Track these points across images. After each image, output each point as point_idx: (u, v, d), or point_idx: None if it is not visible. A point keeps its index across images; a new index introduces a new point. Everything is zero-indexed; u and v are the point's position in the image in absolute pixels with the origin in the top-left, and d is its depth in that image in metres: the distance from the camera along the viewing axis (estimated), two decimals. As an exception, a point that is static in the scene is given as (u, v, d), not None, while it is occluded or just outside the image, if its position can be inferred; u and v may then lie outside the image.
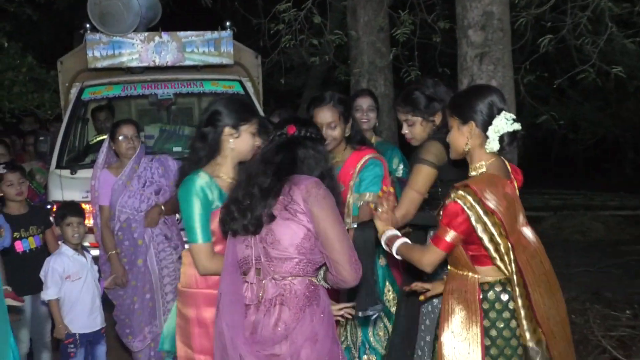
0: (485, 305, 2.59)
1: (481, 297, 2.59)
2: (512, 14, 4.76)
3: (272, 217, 2.43)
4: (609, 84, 6.92)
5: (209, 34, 6.25)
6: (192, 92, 6.26)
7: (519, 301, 2.53)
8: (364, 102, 4.36)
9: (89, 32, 6.08)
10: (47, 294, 4.13)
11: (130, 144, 4.39)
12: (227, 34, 6.26)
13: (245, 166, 2.64)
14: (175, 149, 5.95)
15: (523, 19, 4.60)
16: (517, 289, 2.52)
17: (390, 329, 3.53)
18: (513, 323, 2.57)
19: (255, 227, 2.46)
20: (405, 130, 3.40)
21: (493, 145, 2.54)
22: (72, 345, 4.14)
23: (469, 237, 2.55)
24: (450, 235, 2.52)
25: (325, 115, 3.44)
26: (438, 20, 5.69)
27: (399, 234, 2.85)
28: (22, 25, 9.87)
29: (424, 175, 3.20)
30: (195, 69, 6.38)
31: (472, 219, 2.47)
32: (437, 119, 3.35)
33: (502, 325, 2.57)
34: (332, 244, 2.41)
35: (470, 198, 2.46)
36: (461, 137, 2.60)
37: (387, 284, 3.65)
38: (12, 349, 2.97)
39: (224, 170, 2.88)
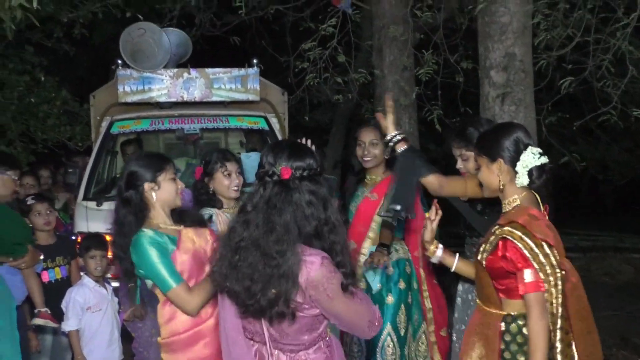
0: (507, 337, 2.59)
1: (503, 329, 2.60)
2: (535, 55, 4.78)
3: (294, 316, 2.22)
4: (636, 125, 6.86)
5: (236, 71, 6.38)
6: (218, 128, 6.35)
7: (558, 334, 2.50)
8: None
9: (120, 67, 6.26)
10: (68, 325, 4.19)
11: (153, 177, 4.46)
12: (253, 71, 6.38)
13: (242, 219, 2.31)
14: (199, 183, 6.03)
15: (544, 61, 4.61)
16: (559, 322, 2.50)
17: (398, 352, 3.67)
18: None
19: (277, 319, 2.23)
20: (459, 165, 3.53)
21: (523, 179, 2.59)
22: (90, 377, 4.18)
23: (505, 271, 2.56)
24: (532, 274, 2.47)
25: (369, 134, 3.92)
26: (461, 61, 5.74)
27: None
28: (60, 60, 10.18)
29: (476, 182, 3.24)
30: (222, 104, 6.50)
31: (525, 251, 2.49)
32: None
33: (522, 358, 2.57)
34: (346, 324, 2.32)
35: (518, 232, 2.50)
36: (492, 175, 2.67)
37: (402, 306, 3.77)
38: None
39: (160, 220, 2.87)
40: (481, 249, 2.65)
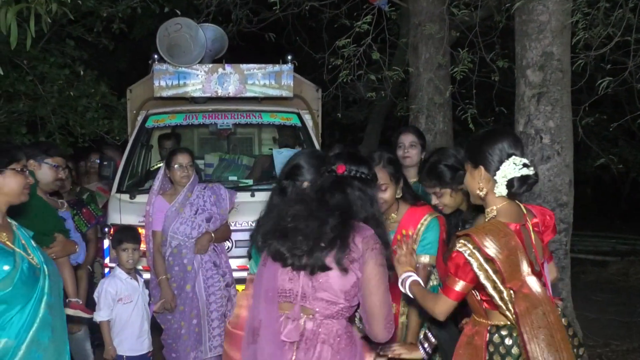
0: (491, 348, 2.59)
1: (487, 339, 2.60)
2: (573, 55, 4.68)
3: (345, 271, 2.41)
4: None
5: (270, 67, 6.38)
6: (251, 123, 6.37)
7: (520, 349, 2.52)
8: (406, 139, 4.35)
9: (156, 62, 6.32)
10: (100, 315, 4.26)
11: (184, 172, 4.51)
12: (288, 67, 6.37)
13: (298, 195, 2.67)
14: (231, 178, 6.07)
15: (582, 61, 4.51)
16: (518, 338, 2.51)
17: None
18: None
19: (319, 271, 2.44)
20: (435, 201, 3.26)
21: (501, 189, 2.53)
22: (119, 368, 4.24)
23: (479, 284, 2.55)
24: (459, 285, 2.54)
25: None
26: (497, 59, 5.65)
27: (416, 277, 2.85)
28: (99, 54, 10.35)
29: None
30: (256, 100, 6.52)
31: (474, 266, 2.49)
32: None
33: None
34: (373, 300, 2.43)
35: (470, 246, 2.49)
36: (473, 181, 2.63)
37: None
38: None
39: None
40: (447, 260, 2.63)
